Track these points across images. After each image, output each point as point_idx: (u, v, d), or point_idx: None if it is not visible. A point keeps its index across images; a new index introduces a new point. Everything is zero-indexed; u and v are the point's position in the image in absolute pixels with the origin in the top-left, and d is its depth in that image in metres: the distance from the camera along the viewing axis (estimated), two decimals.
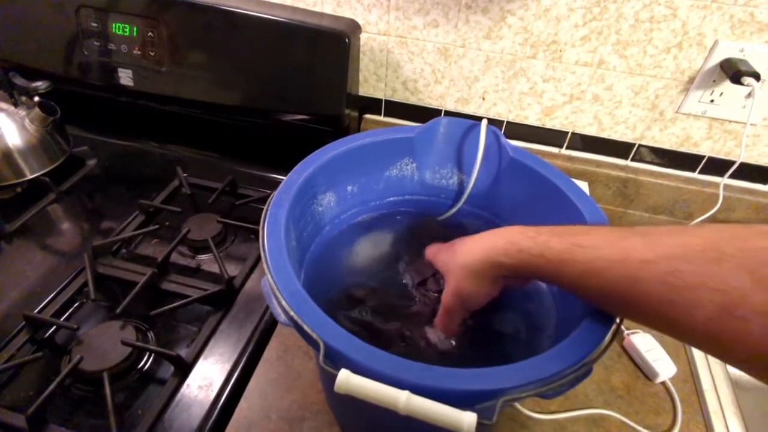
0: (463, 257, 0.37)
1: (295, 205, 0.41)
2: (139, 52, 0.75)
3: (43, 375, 0.51)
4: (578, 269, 0.31)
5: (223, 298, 0.59)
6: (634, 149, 0.77)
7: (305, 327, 0.31)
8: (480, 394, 0.28)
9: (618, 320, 0.34)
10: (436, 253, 0.43)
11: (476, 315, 0.41)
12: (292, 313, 0.32)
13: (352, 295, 0.46)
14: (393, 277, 0.48)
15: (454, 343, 0.42)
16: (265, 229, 0.38)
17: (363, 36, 0.75)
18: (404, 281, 0.48)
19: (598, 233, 0.31)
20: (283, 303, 0.32)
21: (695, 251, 0.26)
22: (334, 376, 0.28)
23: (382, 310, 0.45)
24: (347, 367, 0.29)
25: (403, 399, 0.27)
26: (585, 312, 0.34)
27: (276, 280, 0.33)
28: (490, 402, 0.28)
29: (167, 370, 0.52)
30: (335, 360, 0.30)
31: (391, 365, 0.29)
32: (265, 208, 0.40)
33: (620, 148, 0.77)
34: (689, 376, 0.57)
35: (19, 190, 0.73)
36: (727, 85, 0.66)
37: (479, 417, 0.27)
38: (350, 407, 0.43)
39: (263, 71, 0.73)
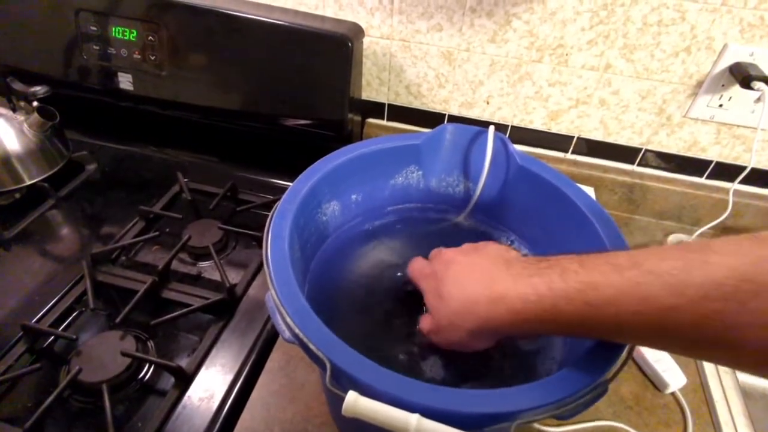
0: (456, 317, 0.34)
1: (299, 215, 0.40)
2: (139, 56, 0.74)
3: (42, 386, 0.50)
4: (594, 326, 0.29)
5: (225, 307, 0.58)
6: (641, 154, 0.76)
7: (311, 346, 0.30)
8: (493, 416, 0.27)
9: None
10: (420, 276, 0.40)
11: None
12: (297, 331, 0.31)
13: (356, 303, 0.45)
14: (397, 286, 0.47)
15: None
16: (269, 242, 0.37)
17: (366, 40, 0.74)
18: (408, 290, 0.47)
19: (609, 283, 0.28)
20: (288, 320, 0.31)
21: (728, 287, 0.24)
22: (341, 395, 0.27)
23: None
24: (354, 388, 0.28)
25: (413, 422, 0.26)
26: None
27: (280, 296, 0.33)
28: (504, 424, 0.27)
29: (168, 381, 0.51)
30: (341, 380, 0.29)
31: (401, 386, 0.28)
32: (268, 219, 0.39)
33: (626, 153, 0.76)
34: (699, 386, 0.56)
35: (17, 196, 0.72)
36: (737, 90, 0.65)
37: None
38: (356, 423, 0.42)
39: (264, 75, 0.72)
